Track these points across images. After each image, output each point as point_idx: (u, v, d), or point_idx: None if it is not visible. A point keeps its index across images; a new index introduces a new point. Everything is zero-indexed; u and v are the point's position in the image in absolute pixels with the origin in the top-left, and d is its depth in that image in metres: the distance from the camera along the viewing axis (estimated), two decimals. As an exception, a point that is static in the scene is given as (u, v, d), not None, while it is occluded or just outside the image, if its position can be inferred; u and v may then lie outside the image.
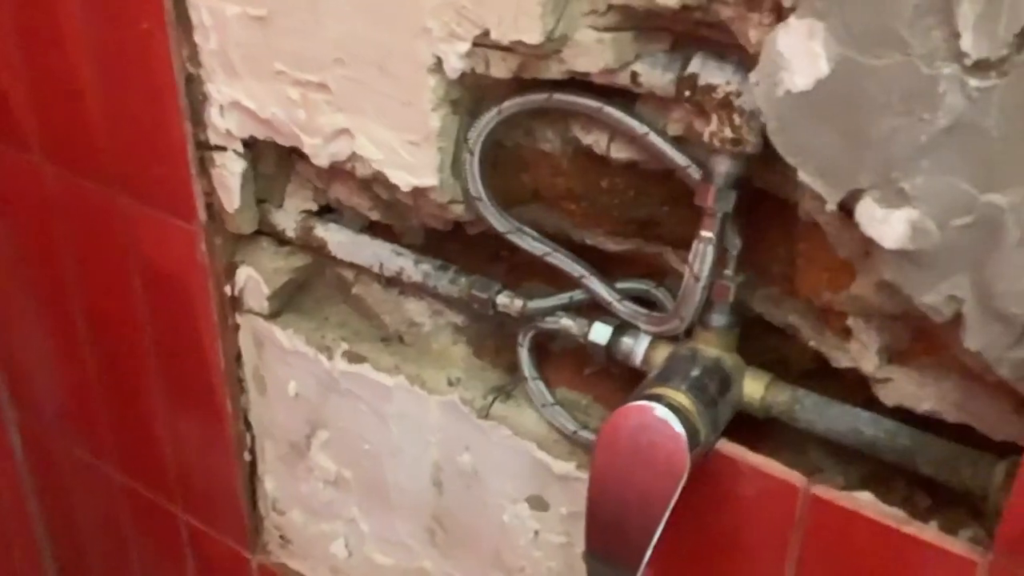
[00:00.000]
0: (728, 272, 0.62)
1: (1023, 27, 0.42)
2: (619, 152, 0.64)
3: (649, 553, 0.59)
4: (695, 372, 0.62)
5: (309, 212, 0.81)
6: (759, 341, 0.67)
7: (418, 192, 0.68)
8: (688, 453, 0.57)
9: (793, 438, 0.66)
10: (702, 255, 0.60)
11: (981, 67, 0.43)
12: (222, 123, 0.75)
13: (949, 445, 0.58)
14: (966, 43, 0.43)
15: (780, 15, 0.49)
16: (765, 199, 0.61)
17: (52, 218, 0.92)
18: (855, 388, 0.62)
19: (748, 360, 0.64)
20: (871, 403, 0.61)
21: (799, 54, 0.48)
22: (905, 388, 0.58)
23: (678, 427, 0.57)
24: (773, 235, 0.63)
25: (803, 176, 0.51)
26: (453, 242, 0.77)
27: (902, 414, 0.60)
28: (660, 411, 0.58)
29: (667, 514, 0.58)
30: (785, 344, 0.66)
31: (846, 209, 0.51)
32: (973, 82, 0.44)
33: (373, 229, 0.80)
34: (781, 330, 0.65)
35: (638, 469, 0.58)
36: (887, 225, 0.49)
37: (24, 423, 1.18)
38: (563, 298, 0.70)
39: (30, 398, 1.14)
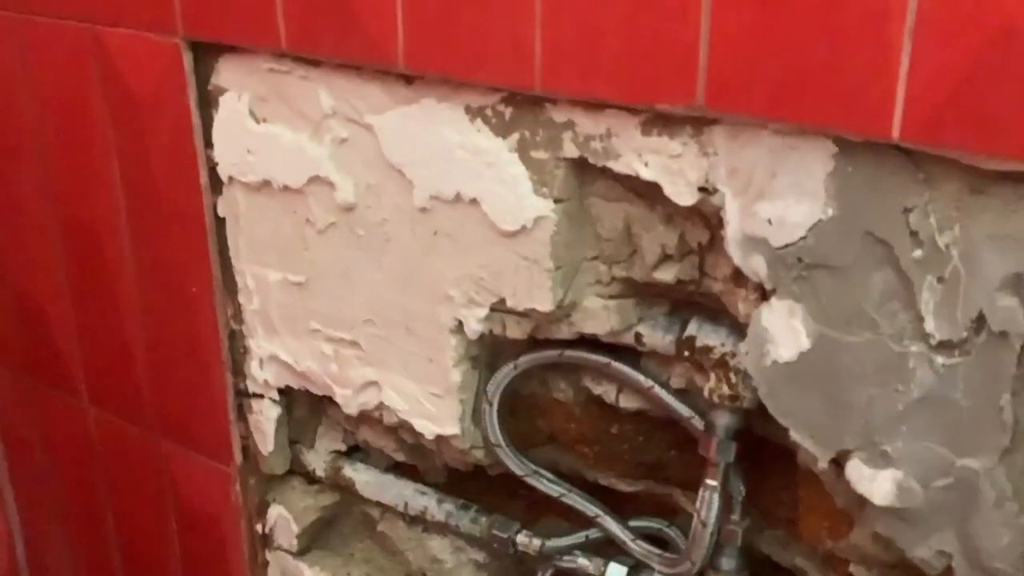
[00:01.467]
0: (735, 517, 0.65)
1: (978, 313, 0.47)
2: (627, 402, 0.69)
3: None
4: (709, 617, 0.65)
5: (338, 452, 0.85)
6: (771, 580, 0.69)
7: (441, 439, 0.72)
8: None
9: None
10: (708, 502, 0.64)
11: (945, 346, 0.49)
12: (260, 374, 0.81)
13: None
14: (929, 325, 0.49)
15: (764, 294, 0.55)
16: (767, 445, 0.65)
17: (93, 459, 0.97)
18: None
19: (761, 599, 0.67)
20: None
21: (782, 330, 0.54)
22: (910, 633, 0.60)
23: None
24: (776, 480, 0.66)
25: (795, 436, 0.55)
26: (474, 480, 0.81)
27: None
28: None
29: None
30: (796, 584, 0.68)
31: (839, 465, 0.55)
32: (939, 359, 0.49)
33: (398, 467, 0.84)
34: (788, 570, 0.68)
35: None
36: (875, 483, 0.53)
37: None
38: (579, 537, 0.74)
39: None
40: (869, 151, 0.48)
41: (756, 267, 0.53)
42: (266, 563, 0.89)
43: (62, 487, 1.03)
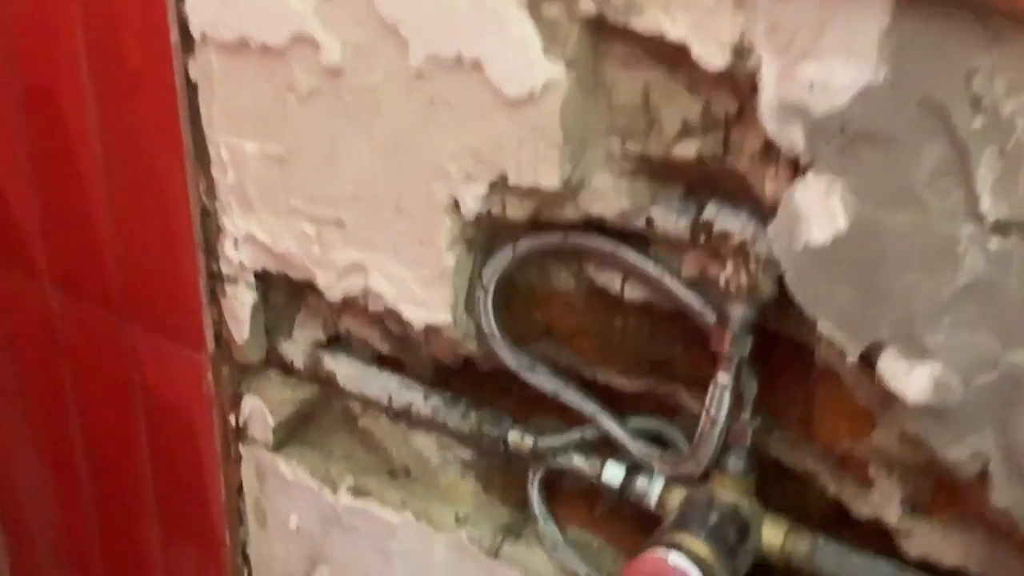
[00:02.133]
0: (745, 416, 0.61)
1: (1041, 191, 0.43)
2: (633, 292, 0.64)
3: None
4: (713, 519, 0.61)
5: (318, 343, 0.80)
6: (775, 485, 0.65)
7: (431, 329, 0.67)
8: (708, 609, 0.56)
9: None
10: (719, 400, 0.60)
11: (1000, 228, 0.44)
12: (235, 256, 0.75)
13: (974, 599, 0.56)
14: (985, 204, 0.44)
15: (797, 170, 0.50)
16: (780, 342, 0.61)
17: (56, 346, 0.91)
18: (875, 536, 0.61)
19: (764, 503, 0.63)
20: (891, 550, 0.60)
21: (817, 210, 0.49)
22: (929, 541, 0.57)
23: (697, 578, 0.56)
24: (789, 378, 0.62)
25: (822, 328, 0.51)
26: (462, 374, 0.76)
27: (927, 567, 0.59)
28: (678, 561, 0.57)
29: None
30: (802, 489, 0.64)
31: (867, 360, 0.50)
32: (993, 242, 0.44)
33: (382, 360, 0.79)
34: (798, 474, 0.64)
35: (656, 622, 0.57)
36: (910, 379, 0.48)
37: (14, 551, 1.14)
38: (574, 436, 0.69)
39: (23, 528, 1.11)
40: (931, 4, 0.43)
41: (792, 139, 0.48)
42: (239, 457, 0.85)
43: (22, 375, 0.98)
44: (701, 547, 0.58)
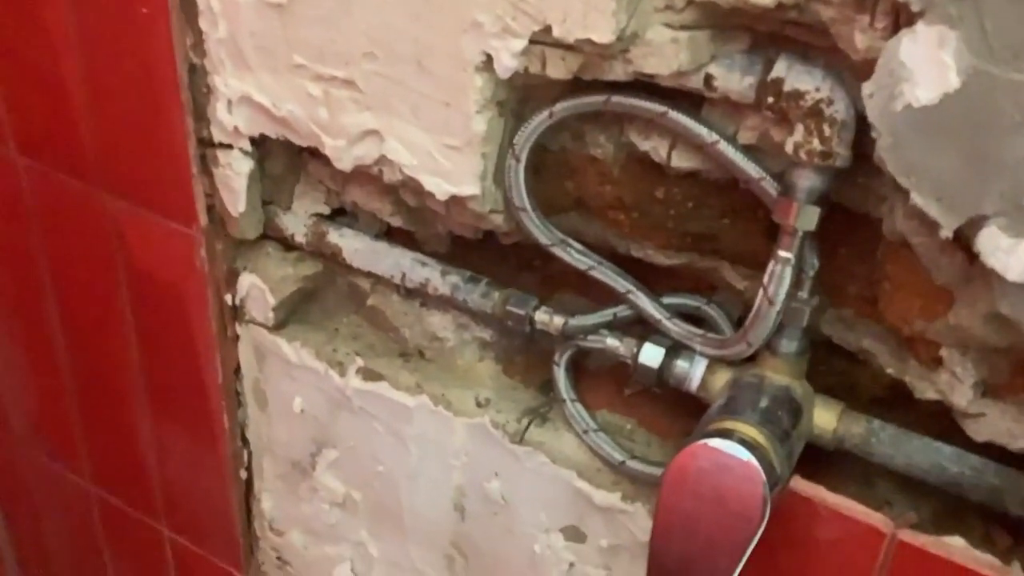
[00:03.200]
0: (803, 295, 0.57)
1: None
2: (680, 160, 0.58)
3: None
4: (764, 402, 0.57)
5: (320, 216, 0.74)
6: (825, 364, 0.62)
7: (455, 200, 0.61)
8: (768, 495, 0.52)
9: (860, 469, 0.61)
10: (779, 277, 0.55)
11: None
12: (229, 120, 0.68)
13: (1043, 484, 0.54)
14: None
15: (899, 20, 0.44)
16: (840, 213, 0.56)
17: (26, 216, 0.84)
18: (930, 419, 0.58)
19: (812, 383, 0.60)
20: (946, 435, 0.57)
21: (925, 65, 0.43)
22: (999, 424, 0.53)
23: (756, 466, 0.52)
24: (849, 253, 0.58)
25: (916, 199, 0.46)
26: (480, 250, 0.71)
27: (986, 450, 0.56)
28: (735, 449, 0.53)
29: (742, 563, 0.53)
30: (855, 369, 0.61)
31: (961, 236, 0.46)
32: None
33: (390, 234, 0.73)
34: (849, 353, 0.60)
35: (710, 514, 0.53)
36: (1014, 256, 0.44)
37: (-11, 432, 1.09)
38: (607, 315, 0.65)
39: (-3, 405, 1.06)
40: None
41: (903, -19, 0.42)
42: (236, 337, 0.80)
43: (-9, 250, 0.90)
44: (755, 432, 0.54)
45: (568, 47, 0.53)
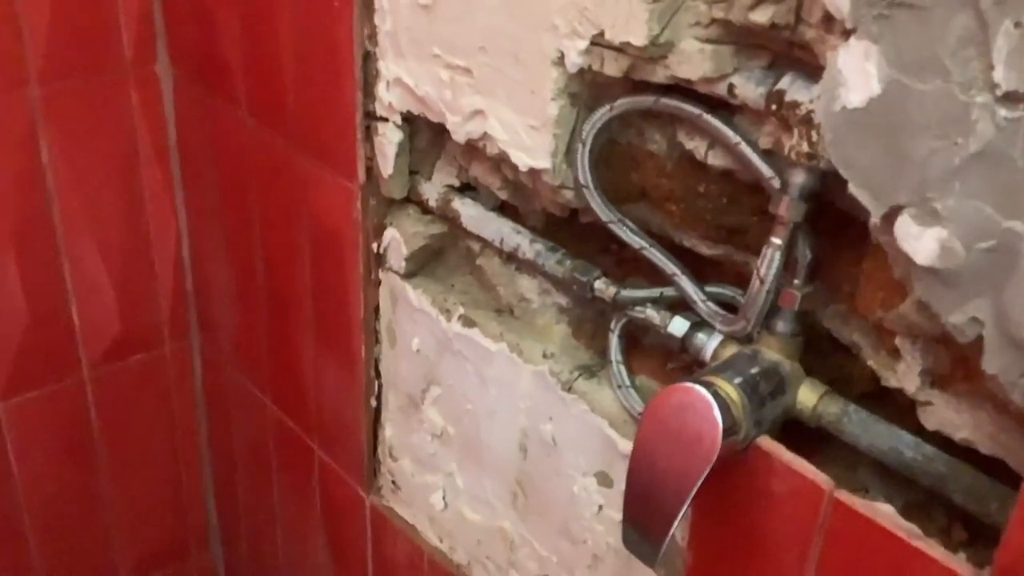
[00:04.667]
0: (797, 282, 0.65)
1: (1053, 63, 0.44)
2: (716, 159, 0.69)
3: (674, 526, 0.63)
4: (752, 370, 0.66)
5: (451, 187, 0.90)
6: (828, 358, 0.69)
7: (534, 174, 0.75)
8: (720, 439, 0.61)
9: (846, 456, 0.68)
10: (769, 260, 0.64)
11: (1011, 98, 0.46)
12: (387, 97, 0.86)
13: (981, 477, 0.59)
14: (998, 74, 0.46)
15: (848, 36, 0.53)
16: (849, 222, 0.64)
17: (248, 165, 1.06)
18: (909, 414, 0.64)
19: (816, 375, 0.67)
20: (922, 433, 0.63)
21: (855, 73, 0.52)
22: (944, 414, 0.59)
23: (716, 413, 0.61)
24: (849, 256, 0.66)
25: (852, 188, 0.54)
26: (569, 231, 0.84)
27: (952, 447, 0.61)
28: (704, 394, 0.62)
29: (693, 492, 0.62)
30: (849, 363, 0.68)
31: (889, 224, 0.54)
32: (1003, 112, 0.47)
33: (503, 210, 0.88)
34: (847, 348, 0.68)
35: (674, 444, 0.63)
36: (920, 242, 0.52)
37: (205, 349, 1.34)
38: (654, 292, 0.76)
39: (213, 328, 1.30)
40: None
41: (839, 3, 0.52)
42: (378, 282, 0.97)
43: (220, 191, 1.14)
44: (731, 389, 0.63)
45: (617, 49, 0.66)
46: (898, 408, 0.64)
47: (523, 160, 0.75)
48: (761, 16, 0.59)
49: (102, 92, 1.14)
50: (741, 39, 0.63)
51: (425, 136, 0.89)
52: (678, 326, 0.73)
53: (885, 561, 0.58)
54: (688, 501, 0.62)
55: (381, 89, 0.86)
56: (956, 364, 0.58)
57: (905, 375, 0.61)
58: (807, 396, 0.66)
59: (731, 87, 0.64)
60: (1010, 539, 0.51)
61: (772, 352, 0.67)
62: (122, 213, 1.21)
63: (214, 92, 1.08)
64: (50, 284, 1.19)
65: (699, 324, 0.73)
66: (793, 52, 0.62)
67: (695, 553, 0.71)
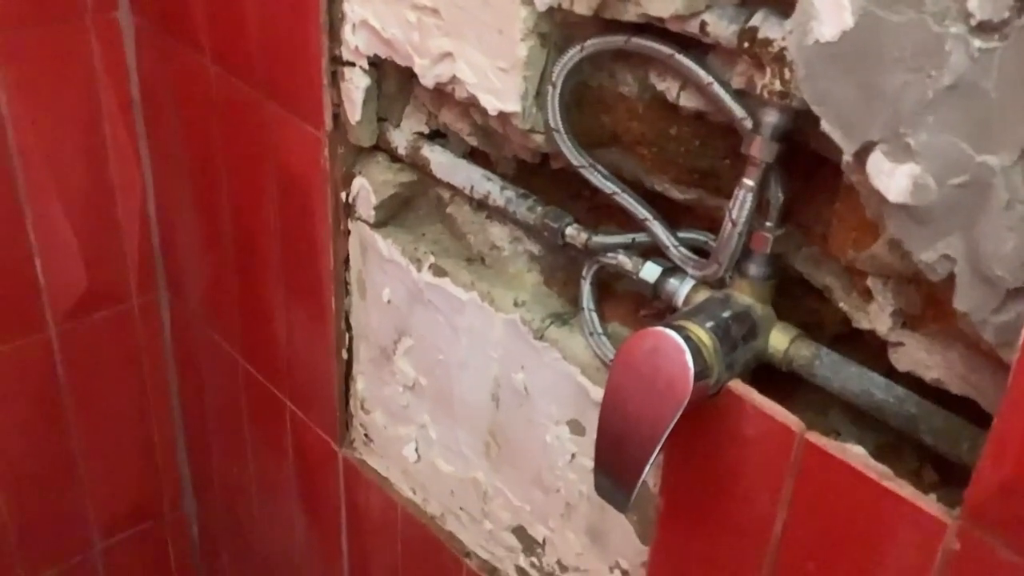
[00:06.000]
0: (768, 224, 0.64)
1: (1027, -8, 0.43)
2: (688, 101, 0.67)
3: (646, 472, 0.63)
4: (724, 314, 0.65)
5: (420, 134, 0.88)
6: (802, 302, 0.69)
7: (504, 118, 0.74)
8: (691, 383, 0.60)
9: (818, 400, 0.68)
10: (741, 201, 0.63)
11: (984, 28, 0.45)
12: (353, 40, 0.84)
13: (952, 417, 0.59)
14: (972, 4, 0.45)
15: (824, -30, 0.52)
16: (822, 164, 0.63)
17: (212, 115, 1.04)
18: (881, 356, 0.64)
19: (787, 319, 0.67)
20: (894, 375, 0.63)
21: (828, 5, 0.51)
22: (915, 354, 0.59)
23: (687, 357, 0.61)
24: (822, 198, 0.65)
25: (825, 125, 0.54)
26: (540, 177, 0.82)
27: (923, 389, 0.61)
28: (675, 338, 0.62)
29: (664, 436, 0.61)
30: (822, 306, 0.68)
31: (861, 161, 0.53)
32: (976, 42, 0.46)
33: (474, 157, 0.86)
34: (820, 292, 0.67)
35: (645, 390, 0.62)
36: (892, 179, 0.51)
37: (174, 303, 1.32)
38: (626, 238, 0.75)
39: (180, 281, 1.29)
40: None
41: (812, -67, 0.50)
42: (348, 232, 0.96)
43: (185, 141, 1.12)
44: (703, 334, 0.63)
45: (587, -14, 0.64)
46: (870, 351, 0.64)
47: (493, 103, 0.73)
48: (733, -50, 0.58)
49: (62, 41, 1.11)
50: (713, -25, 0.61)
51: (393, 82, 0.87)
52: (650, 272, 0.72)
53: (856, 503, 0.58)
54: (659, 446, 0.62)
55: (347, 32, 0.84)
56: (927, 304, 0.58)
57: (876, 316, 0.60)
58: (779, 340, 0.66)
59: (703, 25, 0.63)
60: (980, 478, 0.51)
61: (744, 296, 0.66)
62: (85, 165, 1.19)
63: (177, 39, 1.05)
64: (13, 239, 1.17)
65: (671, 270, 0.72)
66: (766, -12, 0.60)
67: (667, 499, 0.71)
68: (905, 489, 0.56)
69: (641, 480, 0.63)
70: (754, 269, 0.66)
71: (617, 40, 0.67)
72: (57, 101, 1.13)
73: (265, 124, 0.96)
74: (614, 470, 0.66)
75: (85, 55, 1.13)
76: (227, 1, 0.94)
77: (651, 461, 0.63)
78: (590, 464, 0.80)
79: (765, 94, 0.60)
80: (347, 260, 0.98)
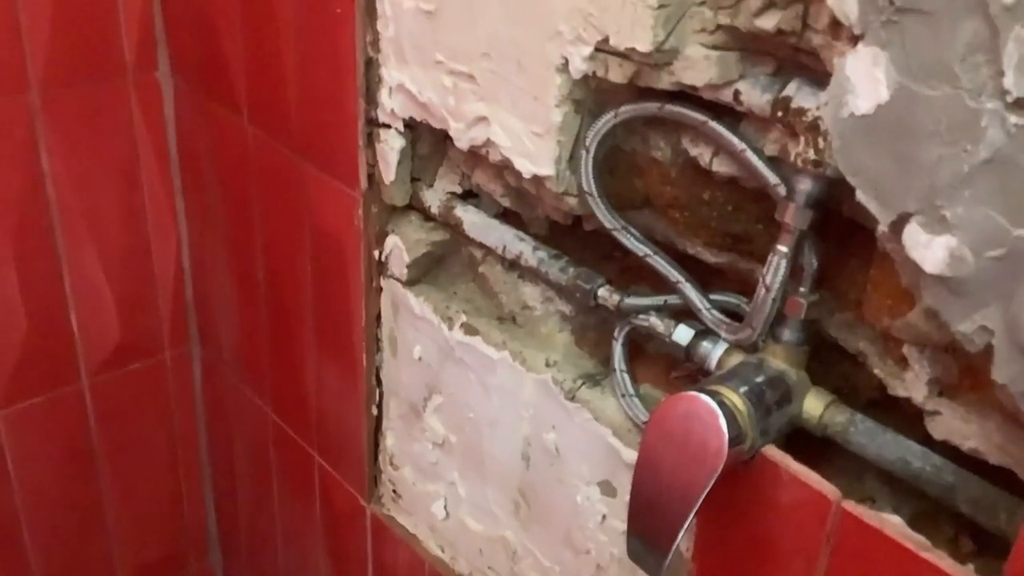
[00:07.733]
0: (803, 289, 0.65)
1: (1064, 69, 0.44)
2: (721, 166, 0.68)
3: (680, 537, 0.62)
4: (758, 379, 0.65)
5: (454, 194, 0.89)
6: (835, 367, 0.69)
7: (538, 181, 0.75)
8: (726, 448, 0.60)
9: (853, 466, 0.68)
10: (775, 268, 0.64)
11: (1021, 105, 0.46)
12: (389, 103, 0.85)
13: (989, 487, 0.58)
14: (1008, 81, 0.46)
15: (856, 43, 0.53)
16: (856, 230, 0.64)
17: (248, 174, 1.06)
18: (916, 423, 0.63)
19: (821, 383, 0.67)
20: (930, 442, 0.62)
21: (863, 79, 0.52)
22: (952, 423, 0.59)
23: (722, 422, 0.61)
24: (857, 264, 0.65)
25: (860, 196, 0.54)
26: (572, 238, 0.83)
27: (959, 456, 0.61)
28: (709, 403, 0.62)
29: (699, 503, 0.61)
30: (856, 371, 0.67)
31: (897, 232, 0.53)
32: (1013, 118, 0.46)
33: (506, 217, 0.87)
34: (854, 357, 0.67)
35: (679, 454, 0.62)
36: (929, 250, 0.51)
37: (205, 357, 1.34)
38: (658, 300, 0.75)
39: (213, 336, 1.30)
40: None
41: (847, 9, 0.51)
42: (380, 289, 0.96)
43: (221, 198, 1.14)
44: (737, 399, 0.63)
45: (622, 55, 0.65)
46: (905, 417, 0.64)
47: (527, 167, 0.74)
48: (767, 22, 0.59)
49: (103, 99, 1.14)
50: (747, 45, 0.62)
51: (427, 143, 0.89)
52: (683, 334, 0.72)
53: (893, 572, 0.57)
54: (693, 512, 0.62)
55: (383, 95, 0.86)
56: (964, 373, 0.58)
57: (913, 384, 0.60)
58: (813, 405, 0.65)
59: (736, 93, 0.64)
60: (1020, 551, 0.50)
61: (778, 361, 0.66)
62: (122, 220, 1.21)
63: (215, 99, 1.08)
64: (50, 291, 1.19)
65: (704, 332, 0.72)
66: (799, 58, 0.61)
67: (700, 565, 0.71)
68: (944, 561, 0.56)
69: (675, 546, 0.63)
70: (788, 334, 0.66)
71: (651, 107, 0.68)
72: (97, 157, 1.16)
73: (300, 183, 0.98)
74: (647, 534, 0.65)
75: (125, 113, 1.16)
76: (266, 64, 0.96)
77: (685, 527, 0.62)
78: (621, 526, 0.79)
79: (799, 162, 0.61)
80: (379, 317, 0.98)
